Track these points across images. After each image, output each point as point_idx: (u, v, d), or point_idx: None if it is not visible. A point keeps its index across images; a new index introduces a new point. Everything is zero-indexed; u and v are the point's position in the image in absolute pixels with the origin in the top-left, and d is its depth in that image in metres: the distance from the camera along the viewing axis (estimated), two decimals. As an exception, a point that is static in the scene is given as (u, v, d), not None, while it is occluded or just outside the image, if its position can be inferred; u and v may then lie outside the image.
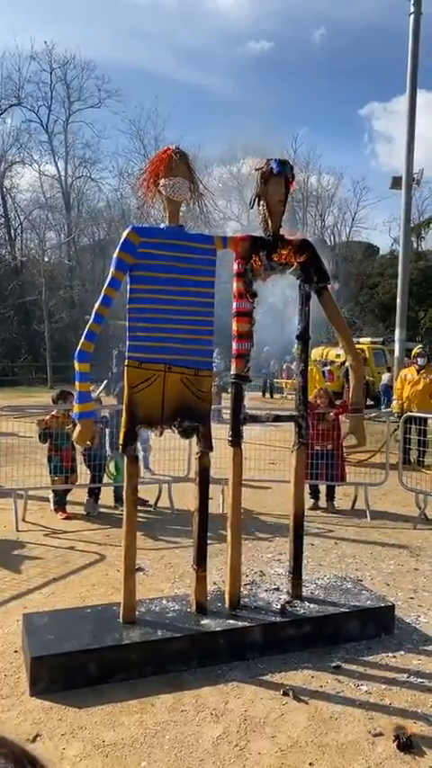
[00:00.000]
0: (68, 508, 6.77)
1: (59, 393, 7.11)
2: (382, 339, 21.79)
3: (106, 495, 7.09)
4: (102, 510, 6.90)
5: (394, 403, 10.16)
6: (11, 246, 32.93)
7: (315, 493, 7.34)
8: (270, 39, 69.70)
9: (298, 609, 3.92)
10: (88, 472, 6.89)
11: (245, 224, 37.72)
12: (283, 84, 69.31)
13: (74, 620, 3.68)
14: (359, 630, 3.93)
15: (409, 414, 8.18)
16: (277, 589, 4.23)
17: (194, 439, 3.82)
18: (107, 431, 6.91)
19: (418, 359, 10.08)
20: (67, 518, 6.60)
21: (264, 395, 21.34)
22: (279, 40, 65.94)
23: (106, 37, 60.35)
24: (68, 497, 6.89)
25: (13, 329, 30.77)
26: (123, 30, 59.89)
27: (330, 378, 15.44)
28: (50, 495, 6.89)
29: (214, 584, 4.43)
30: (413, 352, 10.70)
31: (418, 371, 9.89)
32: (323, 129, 64.66)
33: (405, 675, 3.53)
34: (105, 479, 7.01)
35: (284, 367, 22.95)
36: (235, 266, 3.79)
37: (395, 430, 8.58)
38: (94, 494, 6.87)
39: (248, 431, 4.00)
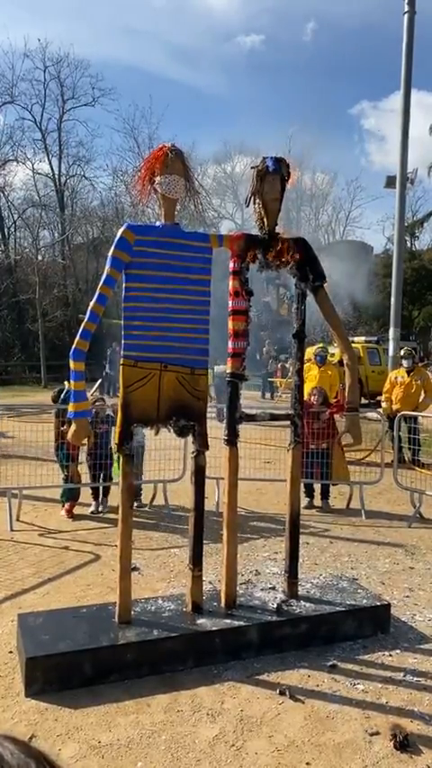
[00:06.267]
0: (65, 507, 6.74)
1: (59, 391, 7.08)
2: (376, 338, 21.80)
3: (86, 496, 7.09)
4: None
5: (384, 404, 10.16)
6: (4, 245, 32.72)
7: (310, 492, 7.34)
8: (260, 34, 70.05)
9: (294, 608, 3.91)
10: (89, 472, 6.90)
11: (239, 223, 37.72)
12: (273, 83, 69.48)
13: (69, 621, 3.65)
14: (355, 629, 3.93)
15: (404, 413, 8.17)
16: (273, 588, 4.23)
17: (190, 438, 3.80)
18: (113, 429, 6.88)
19: (404, 361, 10.09)
20: (71, 516, 6.58)
21: (263, 396, 20.97)
22: (270, 38, 66.14)
23: (98, 34, 60.22)
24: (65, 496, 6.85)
25: (7, 328, 30.62)
26: (115, 27, 59.82)
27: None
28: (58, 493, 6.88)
29: (210, 583, 4.42)
30: (400, 354, 10.71)
31: (408, 373, 9.90)
32: (313, 127, 64.75)
33: (401, 674, 3.53)
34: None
35: (279, 366, 22.96)
36: (231, 264, 3.78)
37: (388, 429, 8.59)
38: (99, 494, 6.91)
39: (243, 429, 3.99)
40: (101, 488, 6.90)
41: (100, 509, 6.82)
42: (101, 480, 6.88)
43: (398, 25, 14.20)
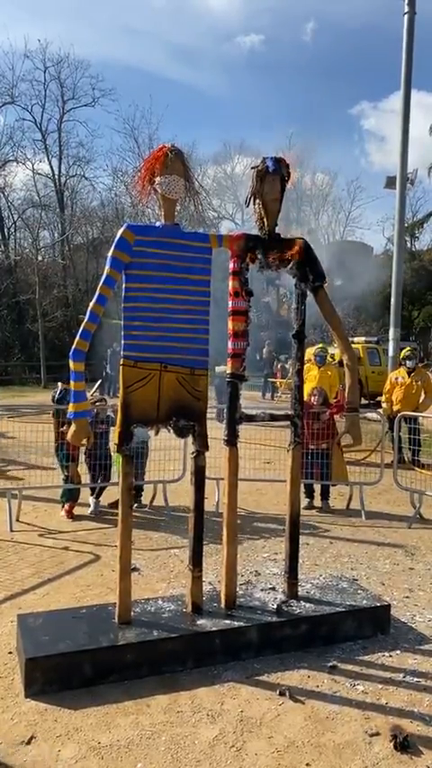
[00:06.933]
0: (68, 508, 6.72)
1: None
2: (376, 339, 21.80)
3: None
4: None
5: (384, 405, 10.16)
6: (4, 245, 32.73)
7: (310, 492, 7.34)
8: (260, 34, 70.35)
9: (294, 609, 3.91)
10: (88, 472, 6.88)
11: (239, 223, 37.74)
12: (274, 83, 69.63)
13: (69, 621, 3.65)
14: (355, 630, 3.93)
15: (404, 414, 8.17)
16: (273, 589, 4.22)
17: (190, 438, 3.80)
18: (111, 429, 6.87)
19: (407, 361, 10.07)
20: (71, 516, 6.57)
21: (264, 396, 21.32)
22: (270, 38, 66.31)
23: (98, 34, 60.35)
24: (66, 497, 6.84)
25: (7, 328, 30.61)
26: (115, 27, 59.90)
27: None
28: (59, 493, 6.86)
29: (209, 583, 4.41)
30: (401, 355, 10.69)
31: (409, 374, 9.88)
32: (313, 127, 64.78)
33: (401, 675, 3.53)
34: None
35: (279, 366, 22.98)
36: (231, 265, 3.78)
37: (388, 430, 8.59)
38: (95, 493, 6.88)
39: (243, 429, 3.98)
40: (97, 489, 6.89)
41: (90, 511, 6.79)
42: (99, 480, 6.86)
43: (398, 25, 14.23)
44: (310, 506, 7.24)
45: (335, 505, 7.39)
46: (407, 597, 4.67)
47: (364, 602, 4.09)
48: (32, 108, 34.02)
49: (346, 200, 44.17)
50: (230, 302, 3.79)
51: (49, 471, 6.97)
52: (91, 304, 3.48)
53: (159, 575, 4.96)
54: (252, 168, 3.82)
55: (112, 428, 6.78)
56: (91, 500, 6.85)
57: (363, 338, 21.79)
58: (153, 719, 3.05)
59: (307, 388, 7.33)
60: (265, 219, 3.82)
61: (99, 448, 6.67)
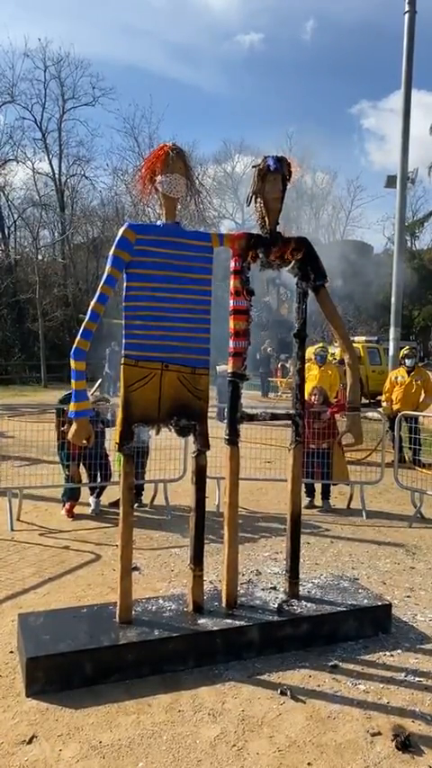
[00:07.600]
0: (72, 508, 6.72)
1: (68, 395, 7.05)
2: (376, 338, 21.80)
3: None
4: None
5: (384, 404, 10.15)
6: (4, 245, 32.74)
7: (310, 492, 7.34)
8: (260, 33, 70.43)
9: (295, 608, 3.91)
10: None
11: (240, 222, 37.74)
12: (273, 82, 69.66)
13: (70, 621, 3.65)
14: (356, 629, 3.92)
15: (404, 413, 8.16)
16: (274, 588, 4.22)
17: (191, 437, 3.79)
18: (106, 429, 6.86)
19: (406, 360, 10.06)
20: (71, 515, 6.57)
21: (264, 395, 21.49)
22: (270, 37, 66.34)
23: (98, 34, 60.37)
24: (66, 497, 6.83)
25: (7, 328, 30.60)
26: (115, 27, 59.93)
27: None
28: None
29: (210, 583, 4.41)
30: (401, 354, 10.68)
31: (409, 373, 9.88)
32: (312, 126, 64.88)
33: (402, 674, 3.52)
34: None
35: (279, 365, 22.99)
36: (232, 264, 3.77)
37: (389, 429, 8.58)
38: (95, 492, 6.87)
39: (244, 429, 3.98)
40: (97, 488, 6.88)
41: (90, 510, 6.78)
42: (97, 480, 6.85)
43: (398, 24, 14.24)
44: (311, 506, 7.23)
45: (336, 505, 7.38)
46: (408, 596, 4.67)
47: (365, 601, 4.09)
48: (32, 107, 34.06)
49: (346, 199, 44.25)
50: (231, 301, 3.78)
51: (50, 471, 6.96)
52: (92, 303, 3.47)
53: (160, 574, 4.96)
54: (253, 167, 3.82)
55: (107, 428, 6.79)
56: (91, 499, 6.85)
57: (363, 338, 21.79)
58: (154, 719, 3.04)
59: (307, 388, 7.32)
60: (266, 218, 3.81)
61: (94, 447, 6.65)
